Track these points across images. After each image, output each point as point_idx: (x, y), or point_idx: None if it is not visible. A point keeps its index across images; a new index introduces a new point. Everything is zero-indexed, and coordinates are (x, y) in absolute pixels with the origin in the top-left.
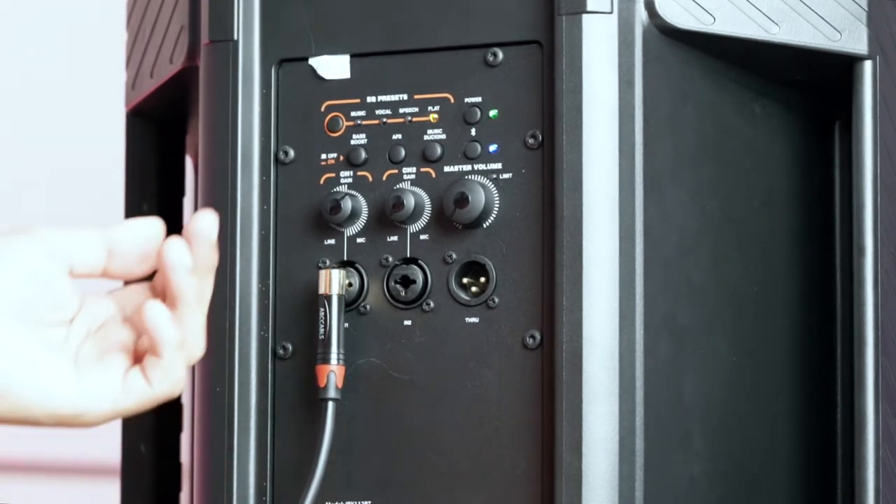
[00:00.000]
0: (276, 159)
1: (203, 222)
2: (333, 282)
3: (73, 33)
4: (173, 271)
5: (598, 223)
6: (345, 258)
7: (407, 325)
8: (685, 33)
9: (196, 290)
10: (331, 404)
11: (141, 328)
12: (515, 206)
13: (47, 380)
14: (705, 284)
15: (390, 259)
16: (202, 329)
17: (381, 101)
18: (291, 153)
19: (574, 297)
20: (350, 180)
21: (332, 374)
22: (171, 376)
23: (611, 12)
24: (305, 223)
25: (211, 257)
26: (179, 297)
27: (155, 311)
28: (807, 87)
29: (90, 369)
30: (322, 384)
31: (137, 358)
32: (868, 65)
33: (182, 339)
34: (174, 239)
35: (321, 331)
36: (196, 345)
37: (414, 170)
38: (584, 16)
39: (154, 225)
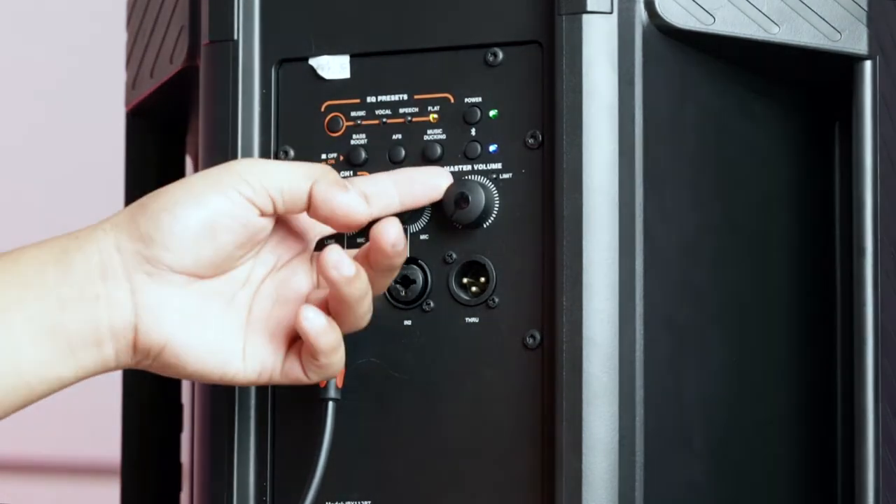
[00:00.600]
0: (277, 159)
1: (389, 234)
2: None
3: (73, 33)
4: (333, 285)
5: (598, 223)
6: None
7: (407, 325)
8: (685, 33)
9: (361, 291)
10: (331, 404)
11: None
12: (515, 206)
13: (214, 350)
14: (705, 284)
15: None
16: (367, 313)
17: (381, 101)
18: (291, 153)
19: (574, 297)
20: None
21: None
22: (326, 372)
23: (611, 12)
24: None
25: (392, 263)
26: (339, 303)
27: (310, 319)
28: (807, 87)
29: (258, 340)
30: (322, 384)
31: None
32: (868, 65)
33: (338, 341)
34: (333, 249)
35: None
36: (359, 325)
37: None
38: (584, 16)
39: (353, 208)
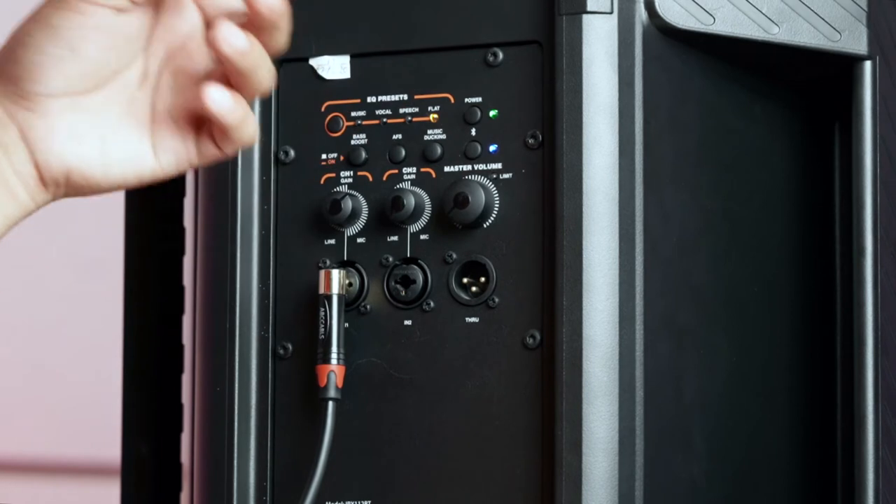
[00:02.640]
0: (277, 159)
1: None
2: (333, 282)
3: None
4: (228, 60)
5: (598, 223)
6: (345, 258)
7: (407, 325)
8: (685, 33)
9: (257, 59)
10: (331, 404)
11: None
12: (515, 206)
13: (120, 160)
14: (705, 284)
15: (390, 259)
16: (269, 74)
17: (381, 101)
18: (292, 153)
19: (574, 297)
20: (350, 180)
21: (332, 374)
22: (241, 143)
23: (611, 12)
24: (306, 223)
25: (275, 20)
26: (239, 76)
27: (215, 99)
28: (807, 87)
29: (167, 133)
30: (322, 384)
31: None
32: (868, 65)
33: (246, 112)
34: (222, 24)
35: (321, 331)
36: (262, 89)
37: (414, 170)
38: (584, 16)
39: None
